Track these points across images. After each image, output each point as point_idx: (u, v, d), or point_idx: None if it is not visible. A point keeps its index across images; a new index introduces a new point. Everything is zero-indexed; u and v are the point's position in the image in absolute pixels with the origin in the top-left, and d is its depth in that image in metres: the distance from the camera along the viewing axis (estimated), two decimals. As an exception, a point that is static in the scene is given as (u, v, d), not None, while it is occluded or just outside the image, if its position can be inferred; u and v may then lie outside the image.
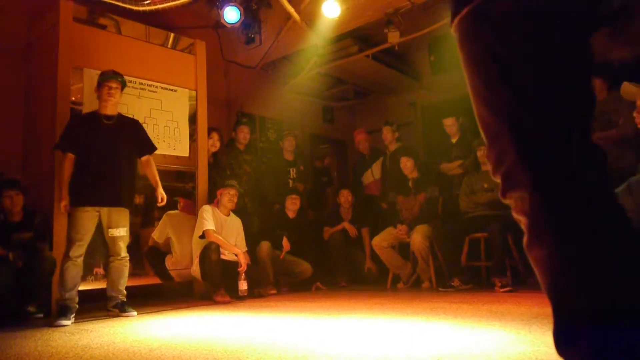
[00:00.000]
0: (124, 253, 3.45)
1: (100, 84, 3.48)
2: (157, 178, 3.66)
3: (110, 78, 3.47)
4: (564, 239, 0.87)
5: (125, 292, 3.45)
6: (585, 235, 0.86)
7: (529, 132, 0.91)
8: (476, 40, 0.99)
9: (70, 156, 3.35)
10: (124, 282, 3.45)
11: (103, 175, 3.36)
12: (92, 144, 3.37)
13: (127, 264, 3.48)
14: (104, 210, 3.38)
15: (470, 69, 1.03)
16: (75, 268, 3.23)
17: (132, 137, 3.60)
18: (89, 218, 3.31)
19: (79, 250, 3.25)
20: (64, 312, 3.08)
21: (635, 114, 2.62)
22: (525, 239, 0.93)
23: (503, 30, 0.94)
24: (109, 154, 3.41)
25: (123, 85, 3.57)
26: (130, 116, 3.80)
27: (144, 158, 3.66)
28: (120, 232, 3.43)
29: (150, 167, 3.67)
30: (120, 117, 3.58)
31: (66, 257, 3.23)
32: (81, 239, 3.25)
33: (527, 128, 0.92)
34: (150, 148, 3.71)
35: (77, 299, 3.23)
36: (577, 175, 0.90)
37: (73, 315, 3.12)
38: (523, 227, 0.93)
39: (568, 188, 0.89)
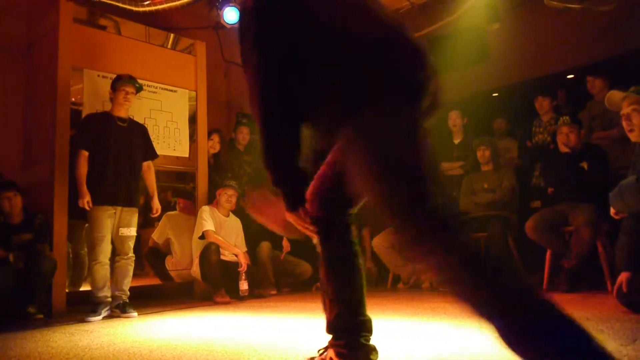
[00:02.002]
0: (131, 253, 3.51)
1: (117, 88, 3.52)
2: (155, 187, 3.73)
3: (127, 83, 3.54)
4: (477, 277, 1.18)
5: (128, 292, 3.47)
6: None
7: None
8: (365, 147, 1.27)
9: (85, 153, 3.39)
10: (128, 282, 3.49)
11: (120, 175, 3.44)
12: (108, 143, 3.45)
13: (133, 264, 3.53)
14: (119, 210, 3.44)
15: (367, 171, 1.27)
16: (103, 270, 3.34)
17: (140, 140, 3.68)
18: (108, 216, 3.38)
19: (105, 251, 3.35)
20: (95, 308, 3.22)
21: (624, 123, 2.63)
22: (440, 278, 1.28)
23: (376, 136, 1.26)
24: (125, 154, 3.50)
25: (138, 90, 3.66)
26: (130, 117, 3.80)
27: (145, 164, 3.70)
28: (131, 232, 3.50)
29: (150, 174, 3.73)
30: (131, 120, 3.70)
31: (94, 260, 3.33)
32: (104, 237, 3.34)
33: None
34: (153, 155, 3.77)
35: (109, 294, 3.36)
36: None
37: (106, 309, 3.30)
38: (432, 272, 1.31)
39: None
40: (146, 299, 4.06)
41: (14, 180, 3.65)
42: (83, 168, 3.35)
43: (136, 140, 3.63)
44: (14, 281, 3.36)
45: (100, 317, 3.19)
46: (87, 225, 3.44)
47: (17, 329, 2.89)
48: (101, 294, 3.30)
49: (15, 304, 3.37)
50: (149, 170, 3.73)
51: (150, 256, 4.69)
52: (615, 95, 2.70)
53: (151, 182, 3.73)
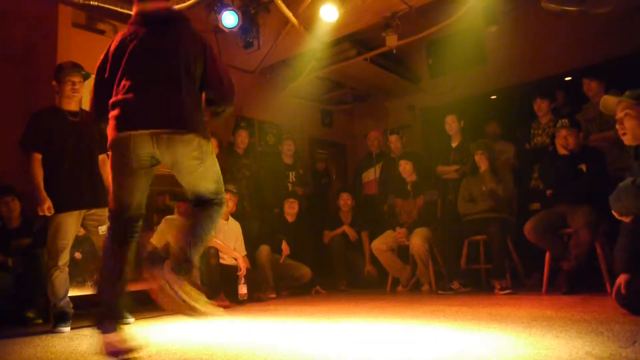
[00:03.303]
0: None
1: (61, 80, 3.23)
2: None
3: (72, 72, 3.23)
4: None
5: None
6: None
7: None
8: None
9: (38, 156, 3.13)
10: None
11: (81, 175, 3.19)
12: (62, 142, 3.17)
13: None
14: (89, 213, 3.22)
15: None
16: (63, 275, 3.12)
17: (96, 133, 3.33)
18: (72, 222, 3.15)
19: (66, 257, 3.12)
20: (62, 318, 3.05)
21: (617, 126, 2.66)
22: None
23: None
24: (82, 152, 3.22)
25: (86, 77, 3.30)
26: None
27: (100, 157, 3.37)
28: None
29: (106, 168, 3.36)
30: (83, 112, 3.33)
31: (54, 266, 3.09)
32: (66, 245, 3.12)
33: None
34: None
35: (71, 305, 3.17)
36: None
37: (70, 320, 3.09)
38: None
39: None
40: (145, 304, 4.05)
41: (11, 185, 3.64)
42: (38, 172, 3.09)
43: (91, 133, 3.27)
44: (13, 286, 3.36)
45: (69, 328, 2.99)
46: (49, 231, 3.14)
47: (16, 334, 2.89)
48: (63, 303, 3.10)
49: (14, 309, 3.36)
50: (104, 164, 3.35)
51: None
52: (609, 99, 2.74)
53: (108, 176, 3.47)
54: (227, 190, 4.35)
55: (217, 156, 5.18)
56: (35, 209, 3.65)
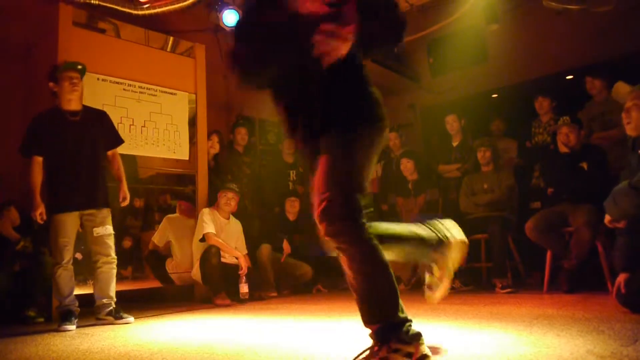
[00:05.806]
0: (113, 254, 3.27)
1: (57, 78, 3.19)
2: (123, 174, 3.42)
3: (68, 68, 3.19)
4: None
5: (115, 298, 3.26)
6: None
7: None
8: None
9: (38, 159, 3.13)
10: (114, 287, 3.27)
11: (79, 178, 3.16)
12: (61, 144, 3.15)
13: (115, 267, 3.29)
14: (85, 214, 3.21)
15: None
16: (67, 273, 3.13)
17: (99, 130, 3.35)
18: (72, 221, 3.15)
19: (68, 255, 3.13)
20: (67, 316, 3.04)
21: (623, 115, 2.67)
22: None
23: None
24: (81, 153, 3.19)
25: (82, 72, 3.28)
26: (130, 120, 3.77)
27: (109, 153, 3.39)
28: (108, 230, 3.24)
29: (116, 162, 3.42)
30: (86, 110, 3.30)
31: (57, 264, 3.10)
32: (68, 242, 3.12)
33: None
34: (116, 141, 3.45)
35: (77, 303, 3.17)
36: None
37: (76, 319, 3.08)
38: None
39: None
40: (147, 302, 4.07)
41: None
42: (37, 176, 3.10)
43: (94, 132, 3.27)
44: (14, 284, 3.36)
45: (74, 326, 2.97)
46: (50, 231, 3.16)
47: (17, 332, 2.89)
48: (68, 301, 3.09)
49: (15, 308, 3.36)
50: (114, 158, 3.40)
51: (151, 259, 4.68)
52: (623, 87, 2.75)
53: (117, 170, 3.39)
54: (228, 189, 4.39)
55: (218, 154, 5.25)
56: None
